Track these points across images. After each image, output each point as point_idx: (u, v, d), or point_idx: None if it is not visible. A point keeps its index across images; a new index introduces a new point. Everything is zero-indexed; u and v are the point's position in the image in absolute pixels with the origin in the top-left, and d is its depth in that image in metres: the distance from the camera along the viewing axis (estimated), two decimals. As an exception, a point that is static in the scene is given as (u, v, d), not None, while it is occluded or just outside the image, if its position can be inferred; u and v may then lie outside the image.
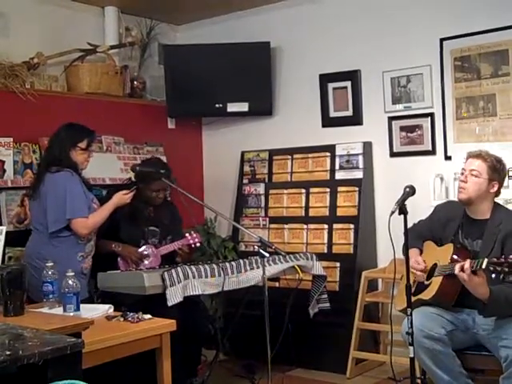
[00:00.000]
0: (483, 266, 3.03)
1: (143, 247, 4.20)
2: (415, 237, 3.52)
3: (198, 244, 4.29)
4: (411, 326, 3.08)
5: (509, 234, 3.23)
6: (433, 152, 4.56)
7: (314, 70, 5.06)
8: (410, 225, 3.27)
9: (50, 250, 3.69)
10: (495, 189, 3.36)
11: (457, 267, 3.12)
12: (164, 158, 5.23)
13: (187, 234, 4.28)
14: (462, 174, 3.38)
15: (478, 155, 3.35)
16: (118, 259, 4.12)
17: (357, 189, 4.73)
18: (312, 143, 5.02)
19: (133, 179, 4.33)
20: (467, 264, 3.09)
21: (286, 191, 5.08)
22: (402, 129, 4.69)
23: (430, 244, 3.54)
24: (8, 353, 1.84)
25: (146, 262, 4.15)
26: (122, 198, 3.94)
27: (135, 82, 5.26)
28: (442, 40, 4.47)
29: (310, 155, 5.02)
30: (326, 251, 4.76)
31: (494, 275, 3.01)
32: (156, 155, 5.04)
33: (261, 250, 3.72)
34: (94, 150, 4.04)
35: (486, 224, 3.34)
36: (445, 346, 3.23)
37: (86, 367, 2.24)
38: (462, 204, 3.41)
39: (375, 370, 4.55)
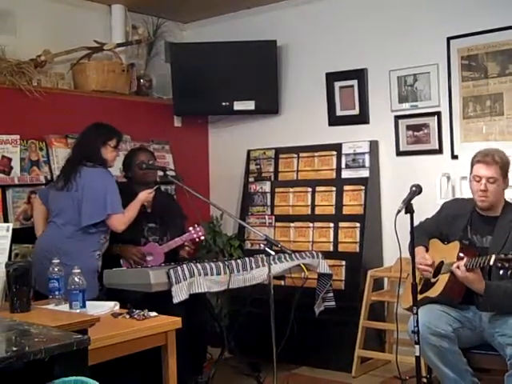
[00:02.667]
0: (491, 263, 3.04)
1: (146, 245, 4.20)
2: (421, 234, 3.52)
3: (202, 237, 4.30)
4: (417, 325, 3.08)
5: None
6: (439, 151, 4.55)
7: (320, 69, 5.05)
8: (416, 224, 3.26)
9: (71, 245, 3.73)
10: (508, 183, 3.37)
11: (454, 265, 3.19)
12: (170, 156, 5.26)
13: (191, 228, 4.27)
14: (478, 181, 3.32)
15: (490, 161, 3.30)
16: (121, 261, 4.12)
17: (363, 187, 4.73)
18: (318, 142, 5.01)
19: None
20: (462, 262, 3.16)
21: (291, 189, 5.08)
22: (409, 128, 4.68)
23: (435, 242, 3.54)
24: (14, 349, 1.85)
25: (149, 258, 4.15)
26: (147, 196, 4.04)
27: (142, 80, 5.27)
28: (449, 39, 4.46)
29: (316, 154, 5.01)
30: (331, 250, 4.75)
31: (501, 271, 3.02)
32: (162, 153, 5.05)
33: (266, 249, 3.72)
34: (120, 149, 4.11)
35: (497, 221, 3.34)
36: (451, 343, 3.23)
37: (92, 364, 2.24)
38: (481, 209, 3.40)
39: (381, 369, 4.55)
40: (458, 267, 3.18)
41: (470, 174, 3.42)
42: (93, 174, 3.81)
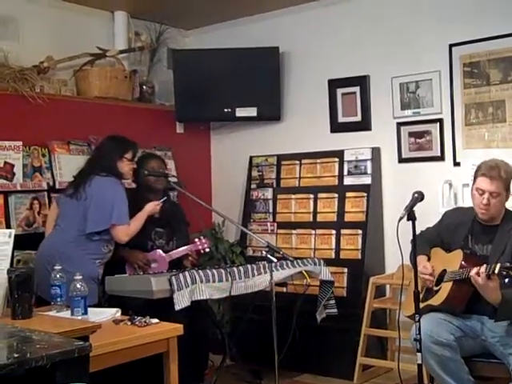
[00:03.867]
0: (496, 271, 3.03)
1: (152, 252, 4.20)
2: (423, 243, 3.51)
3: (207, 250, 4.33)
4: (419, 333, 3.07)
5: None
6: (441, 158, 4.55)
7: (322, 76, 5.06)
8: (418, 231, 3.26)
9: (73, 250, 3.74)
10: (509, 195, 3.36)
11: (473, 271, 3.12)
12: (172, 163, 5.26)
13: (196, 240, 4.30)
14: (481, 194, 3.29)
15: (495, 176, 3.25)
16: (126, 265, 4.13)
17: (365, 194, 4.72)
18: (320, 148, 5.01)
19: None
20: (483, 268, 3.09)
21: (294, 196, 5.08)
22: (411, 134, 4.68)
23: (438, 250, 3.54)
24: (16, 355, 1.85)
25: (154, 265, 4.15)
26: (154, 208, 4.05)
27: (144, 87, 5.28)
28: (451, 46, 4.47)
29: (318, 160, 5.01)
30: (333, 257, 4.75)
31: (506, 280, 3.01)
32: (165, 159, 5.05)
33: (268, 255, 3.72)
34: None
35: (497, 229, 3.34)
36: (453, 352, 3.22)
37: (94, 371, 2.24)
38: (482, 220, 3.39)
39: (382, 377, 4.53)
40: (477, 274, 3.10)
41: (473, 184, 3.38)
42: (103, 182, 3.83)
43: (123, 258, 4.12)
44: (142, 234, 4.06)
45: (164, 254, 4.22)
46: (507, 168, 3.33)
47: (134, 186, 4.41)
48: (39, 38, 4.71)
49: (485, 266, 3.11)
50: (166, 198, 4.18)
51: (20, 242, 3.92)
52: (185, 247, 4.27)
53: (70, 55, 4.77)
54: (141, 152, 4.73)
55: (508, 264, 3.01)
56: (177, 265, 4.22)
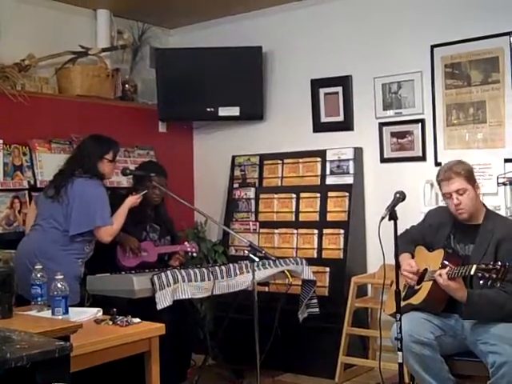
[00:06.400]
0: (472, 272, 3.06)
1: (144, 242, 4.24)
2: (407, 242, 3.54)
3: (194, 254, 4.42)
4: (400, 332, 3.09)
5: (503, 239, 3.25)
6: (423, 158, 4.58)
7: (305, 75, 5.07)
8: (399, 231, 3.27)
9: (55, 249, 3.73)
10: (479, 188, 3.41)
11: (436, 273, 3.20)
12: (155, 162, 5.26)
13: (186, 243, 4.40)
14: (449, 198, 3.36)
15: (452, 175, 3.32)
16: (117, 247, 4.14)
17: (347, 194, 4.74)
18: (303, 148, 5.02)
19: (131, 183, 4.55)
20: (444, 271, 3.18)
21: (276, 196, 5.08)
22: (393, 135, 4.70)
23: (421, 249, 3.56)
24: (-4, 356, 1.84)
25: (144, 254, 4.20)
26: (135, 202, 4.06)
27: (126, 85, 5.26)
28: (432, 47, 4.50)
29: (300, 160, 5.02)
30: (315, 256, 4.76)
31: (482, 281, 3.04)
32: (147, 159, 5.05)
33: (251, 255, 3.73)
34: (118, 160, 4.16)
35: (479, 229, 3.36)
36: (433, 351, 3.24)
37: (75, 371, 2.23)
38: (463, 220, 3.42)
39: (364, 376, 4.55)
40: (440, 275, 3.19)
41: (441, 192, 3.46)
42: (85, 185, 3.82)
43: (116, 241, 4.11)
44: (139, 223, 4.13)
45: (155, 247, 4.28)
46: (462, 165, 3.38)
47: (124, 185, 4.45)
48: (20, 36, 4.67)
49: (448, 268, 3.18)
50: (146, 191, 4.19)
51: (0, 241, 3.90)
52: (176, 245, 4.38)
53: (52, 53, 4.74)
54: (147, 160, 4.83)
55: (483, 265, 3.04)
56: (164, 261, 4.28)
